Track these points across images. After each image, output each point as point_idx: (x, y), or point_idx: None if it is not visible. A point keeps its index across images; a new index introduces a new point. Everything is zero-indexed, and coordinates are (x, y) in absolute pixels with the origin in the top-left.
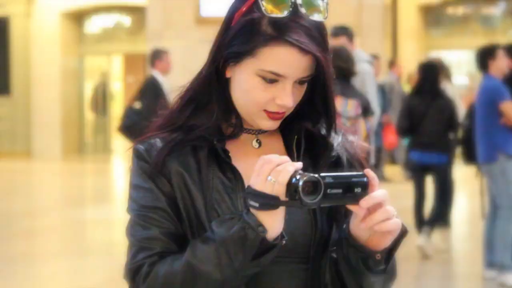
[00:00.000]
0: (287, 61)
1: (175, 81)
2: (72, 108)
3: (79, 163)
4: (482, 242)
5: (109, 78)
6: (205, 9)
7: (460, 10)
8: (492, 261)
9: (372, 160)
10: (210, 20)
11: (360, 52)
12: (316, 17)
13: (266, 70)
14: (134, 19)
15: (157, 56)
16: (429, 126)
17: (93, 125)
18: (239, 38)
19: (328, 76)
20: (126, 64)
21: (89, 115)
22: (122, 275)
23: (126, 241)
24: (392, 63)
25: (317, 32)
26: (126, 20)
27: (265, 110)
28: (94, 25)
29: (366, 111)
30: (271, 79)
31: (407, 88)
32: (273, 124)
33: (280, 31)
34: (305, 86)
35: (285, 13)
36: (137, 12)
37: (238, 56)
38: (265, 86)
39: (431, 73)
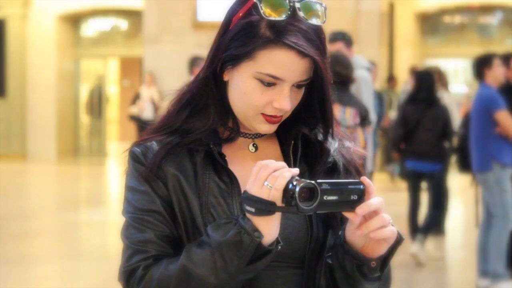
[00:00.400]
0: (285, 64)
1: (172, 85)
2: (67, 111)
3: (74, 166)
4: (476, 250)
5: (105, 81)
6: (202, 14)
7: (457, 19)
8: (485, 270)
9: (370, 167)
10: (207, 25)
11: (359, 58)
12: (314, 21)
13: (264, 73)
14: (131, 23)
15: (195, 63)
16: (423, 134)
17: (88, 128)
18: (237, 41)
19: (326, 80)
20: (122, 67)
21: (85, 118)
22: (116, 278)
23: (120, 244)
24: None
25: (315, 36)
26: (122, 23)
27: (262, 114)
28: (91, 28)
29: (364, 120)
30: (269, 82)
31: (403, 96)
32: (270, 128)
33: (279, 34)
34: (302, 90)
35: (283, 17)
36: (134, 15)
37: (236, 59)
38: (262, 89)
39: (427, 81)
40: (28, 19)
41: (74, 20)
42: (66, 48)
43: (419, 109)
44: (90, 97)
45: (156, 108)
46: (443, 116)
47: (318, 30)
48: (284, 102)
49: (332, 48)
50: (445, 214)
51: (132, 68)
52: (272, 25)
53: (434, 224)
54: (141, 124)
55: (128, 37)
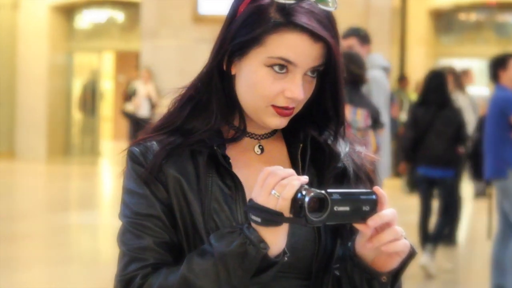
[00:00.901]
0: (297, 47)
1: (170, 82)
2: (59, 106)
3: (65, 165)
4: (490, 263)
5: (99, 76)
6: (203, 7)
7: (472, 17)
8: (500, 284)
9: (388, 173)
10: (208, 18)
11: (377, 57)
12: (325, 6)
13: (275, 56)
14: (128, 15)
15: None
16: (434, 138)
17: (80, 125)
18: (245, 27)
19: (339, 68)
20: (118, 62)
21: (77, 115)
22: (108, 284)
23: (113, 249)
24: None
25: (327, 20)
26: (119, 15)
27: (273, 106)
28: (85, 20)
29: (376, 122)
30: (281, 66)
31: (414, 97)
32: (281, 122)
33: (289, 16)
34: (314, 81)
35: (293, 0)
36: (131, 7)
37: (245, 47)
38: (273, 78)
39: (437, 82)
40: (19, 9)
41: (68, 11)
42: (59, 40)
43: (430, 111)
44: (83, 93)
45: (153, 105)
46: (456, 119)
47: (329, 15)
48: (297, 90)
49: (344, 43)
50: (457, 223)
51: (128, 63)
52: (282, 7)
53: (443, 233)
54: (135, 122)
55: (125, 30)
